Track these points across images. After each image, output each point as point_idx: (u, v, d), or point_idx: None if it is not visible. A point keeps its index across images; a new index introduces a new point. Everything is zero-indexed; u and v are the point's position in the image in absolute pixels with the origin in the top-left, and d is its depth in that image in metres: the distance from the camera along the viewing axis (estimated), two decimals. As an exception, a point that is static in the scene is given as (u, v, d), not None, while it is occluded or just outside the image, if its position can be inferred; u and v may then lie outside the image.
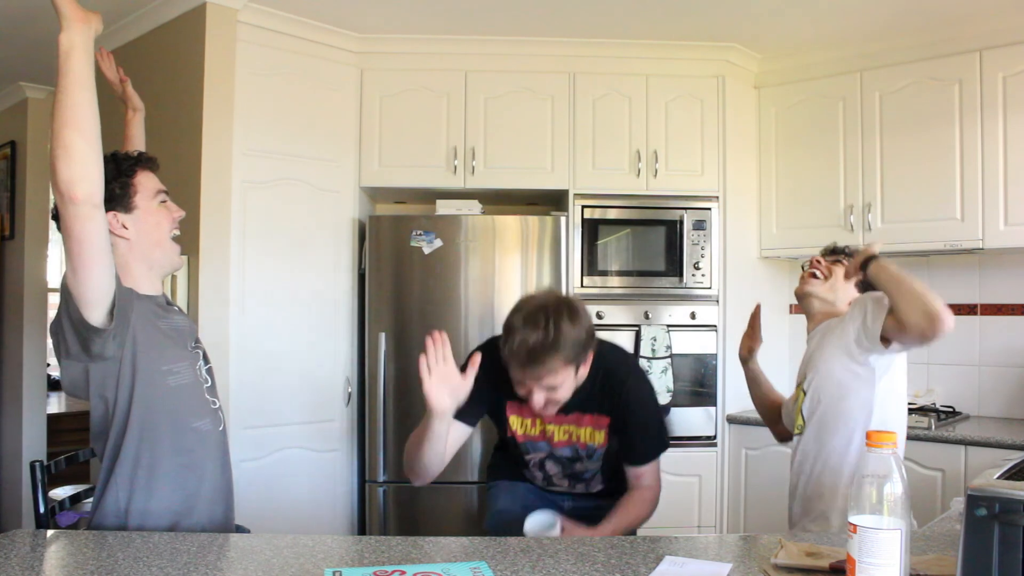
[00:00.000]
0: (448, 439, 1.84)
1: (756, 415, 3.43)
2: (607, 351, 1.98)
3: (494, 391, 1.91)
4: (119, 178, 1.70)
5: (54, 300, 5.06)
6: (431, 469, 1.86)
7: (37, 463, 1.76)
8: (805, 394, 2.03)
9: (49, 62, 3.85)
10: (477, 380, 1.77)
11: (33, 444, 4.23)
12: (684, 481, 3.43)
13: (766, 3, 3.10)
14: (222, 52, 3.02)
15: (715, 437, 3.49)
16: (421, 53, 3.50)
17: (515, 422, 1.99)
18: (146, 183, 1.74)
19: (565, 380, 1.79)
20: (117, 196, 1.69)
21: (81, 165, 1.43)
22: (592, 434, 1.96)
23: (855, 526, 1.12)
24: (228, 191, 3.04)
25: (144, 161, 1.78)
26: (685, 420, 3.48)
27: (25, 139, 4.31)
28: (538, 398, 1.80)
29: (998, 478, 1.19)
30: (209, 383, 1.81)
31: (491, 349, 1.84)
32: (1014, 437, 2.84)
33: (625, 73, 3.53)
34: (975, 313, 3.44)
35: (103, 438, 1.67)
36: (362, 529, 3.42)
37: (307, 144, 3.31)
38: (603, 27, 3.37)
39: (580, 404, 1.92)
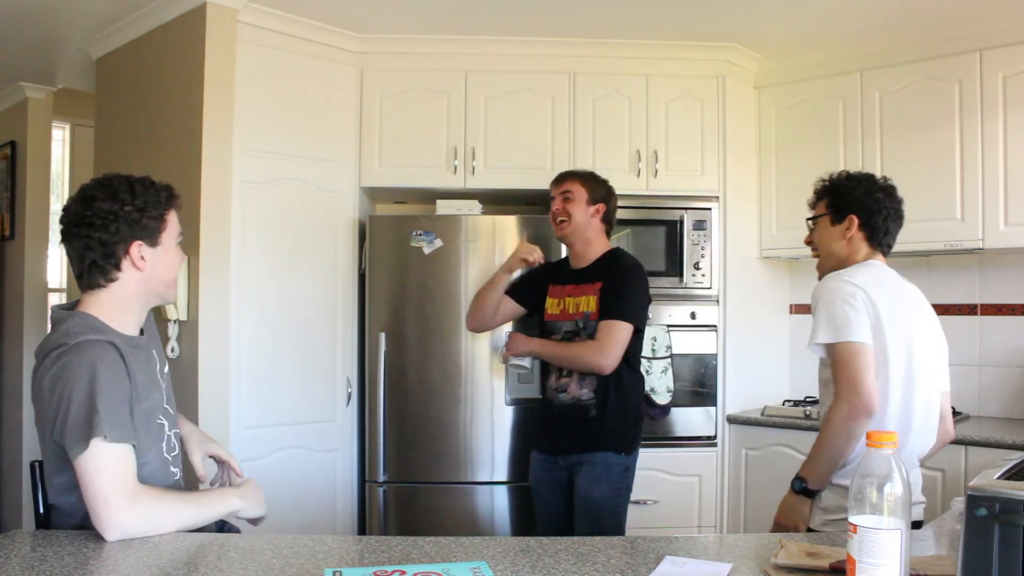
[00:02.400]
0: (501, 308, 2.77)
1: (756, 415, 3.45)
2: (623, 251, 2.71)
3: (545, 279, 2.74)
4: (155, 209, 1.65)
5: (54, 300, 5.08)
6: (483, 314, 2.79)
7: (37, 463, 1.76)
8: None
9: (49, 62, 3.89)
10: (533, 274, 2.76)
11: (33, 444, 4.22)
12: (684, 481, 3.43)
13: (766, 3, 3.10)
14: (222, 52, 3.02)
15: (715, 437, 3.49)
16: (421, 53, 3.50)
17: (549, 303, 2.69)
18: (173, 223, 1.70)
19: (577, 199, 2.63)
20: (149, 229, 1.63)
21: (150, 521, 1.48)
22: (588, 301, 2.58)
23: (855, 526, 1.12)
24: (228, 191, 3.04)
25: (173, 196, 1.73)
26: (685, 420, 3.48)
27: (25, 139, 4.30)
28: (556, 203, 2.66)
29: (998, 478, 1.19)
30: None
31: (548, 263, 2.81)
32: (1014, 437, 2.84)
33: (625, 73, 3.52)
34: (975, 313, 3.44)
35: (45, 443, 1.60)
36: (362, 529, 3.42)
37: (307, 144, 3.31)
38: (603, 27, 3.37)
39: (589, 276, 2.61)
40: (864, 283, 1.94)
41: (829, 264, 2.10)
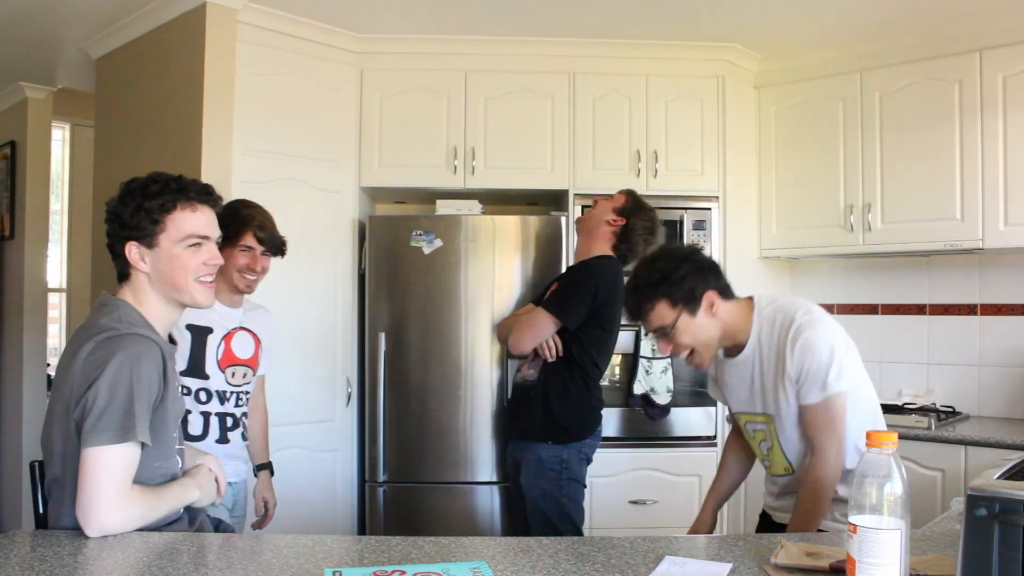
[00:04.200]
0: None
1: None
2: (604, 258, 2.65)
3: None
4: (152, 213, 1.58)
5: (54, 300, 5.05)
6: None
7: (37, 463, 1.76)
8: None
9: (49, 62, 3.89)
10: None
11: (33, 444, 4.23)
12: (684, 481, 3.43)
13: (766, 3, 3.10)
14: (222, 52, 3.02)
15: (715, 437, 3.48)
16: (421, 53, 3.50)
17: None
18: (180, 224, 1.60)
19: (611, 201, 2.69)
20: (143, 230, 1.58)
21: (131, 521, 1.49)
22: (548, 292, 2.68)
23: (855, 526, 1.12)
24: (228, 191, 3.03)
25: (191, 195, 1.63)
26: (685, 420, 3.48)
27: (25, 139, 4.30)
28: (597, 197, 2.78)
29: (998, 478, 1.19)
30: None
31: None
32: (1014, 437, 2.84)
33: (625, 73, 3.53)
34: (975, 313, 3.43)
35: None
36: (362, 529, 3.42)
37: (307, 144, 3.31)
38: (603, 27, 3.37)
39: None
40: (826, 316, 1.87)
41: (712, 351, 1.92)
